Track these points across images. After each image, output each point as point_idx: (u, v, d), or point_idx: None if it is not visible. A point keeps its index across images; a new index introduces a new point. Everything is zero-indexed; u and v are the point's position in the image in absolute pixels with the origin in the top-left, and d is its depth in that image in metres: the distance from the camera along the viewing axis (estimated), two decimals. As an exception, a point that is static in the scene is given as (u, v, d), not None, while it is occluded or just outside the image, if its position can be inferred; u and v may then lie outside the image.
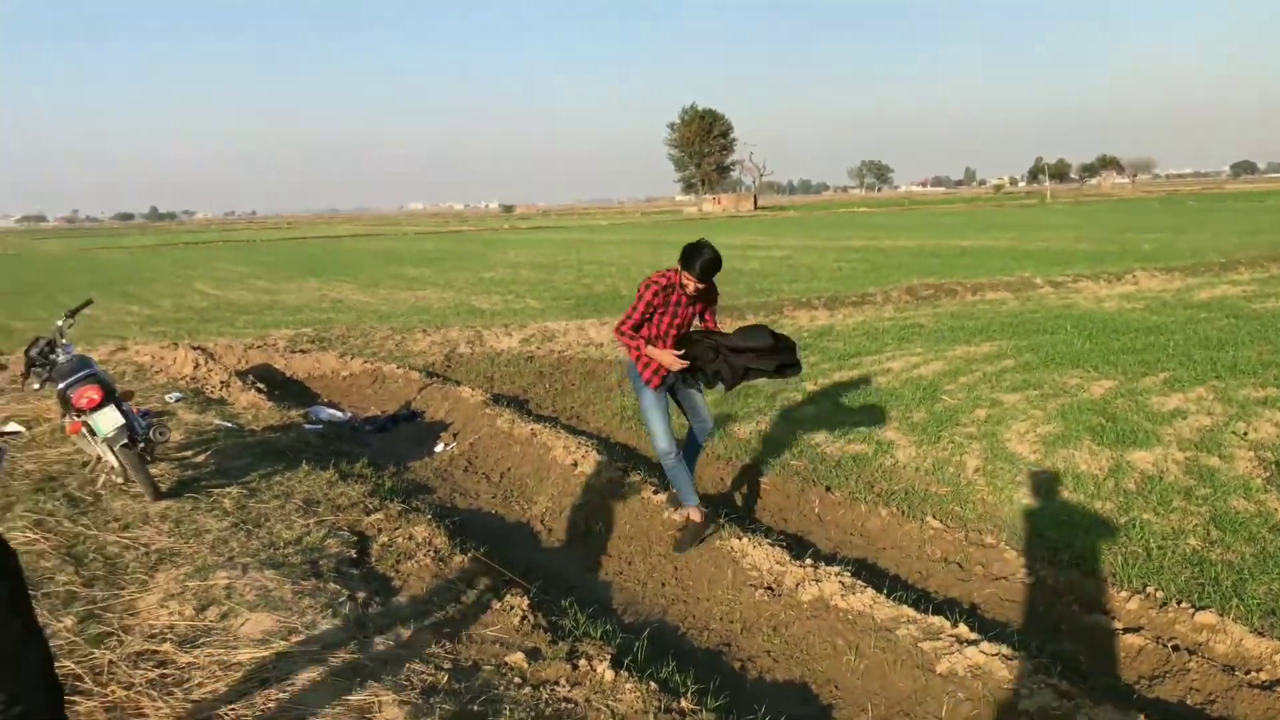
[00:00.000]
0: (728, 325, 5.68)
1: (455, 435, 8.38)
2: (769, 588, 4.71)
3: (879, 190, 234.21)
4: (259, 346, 12.51)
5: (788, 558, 4.90)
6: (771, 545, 5.08)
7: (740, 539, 5.17)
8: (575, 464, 6.64)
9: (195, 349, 11.56)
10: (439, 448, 8.16)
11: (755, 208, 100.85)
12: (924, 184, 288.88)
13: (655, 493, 5.96)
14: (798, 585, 4.63)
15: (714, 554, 5.17)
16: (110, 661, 3.65)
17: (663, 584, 5.16)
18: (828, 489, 6.33)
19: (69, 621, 4.01)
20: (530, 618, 4.22)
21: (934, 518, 5.77)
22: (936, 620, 4.21)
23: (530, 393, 10.19)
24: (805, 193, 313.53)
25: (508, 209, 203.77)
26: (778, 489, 6.56)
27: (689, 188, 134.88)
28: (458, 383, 10.19)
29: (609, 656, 3.82)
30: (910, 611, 4.31)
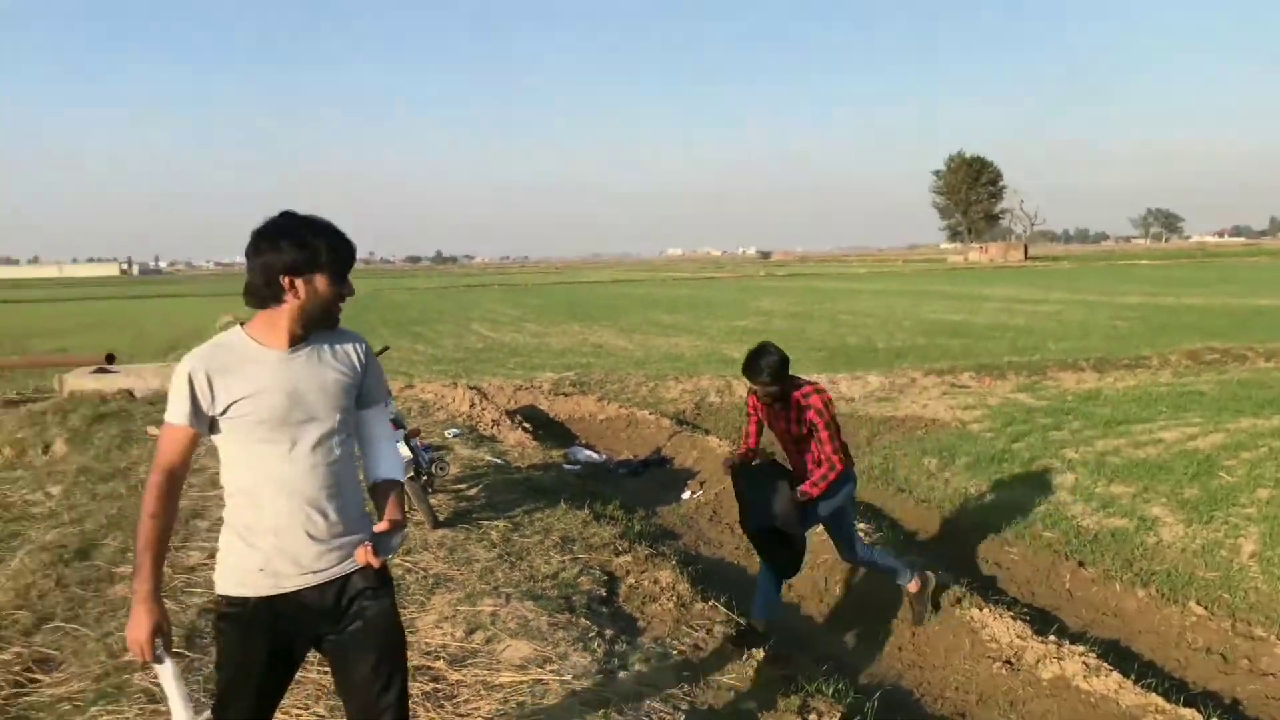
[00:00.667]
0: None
1: (702, 484, 8.68)
2: (1008, 661, 4.67)
3: (1166, 240, 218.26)
4: (526, 388, 13.39)
5: (1029, 632, 4.83)
6: (1014, 618, 5.02)
7: (981, 609, 5.14)
8: (817, 520, 6.76)
9: (471, 389, 12.56)
10: (686, 495, 8.49)
11: (1025, 258, 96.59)
12: (1221, 233, 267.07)
13: (898, 555, 5.99)
14: (1038, 661, 4.57)
15: (953, 623, 5.16)
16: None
17: (899, 648, 5.20)
18: (1080, 564, 6.14)
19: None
20: (765, 669, 4.41)
21: (1198, 603, 5.47)
22: (1189, 713, 4.04)
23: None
24: (1082, 242, 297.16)
25: (765, 255, 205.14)
26: (1026, 560, 6.42)
27: (954, 236, 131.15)
28: (706, 431, 10.52)
29: (839, 714, 3.95)
30: (1160, 701, 4.16)
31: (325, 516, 2.49)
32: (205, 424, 2.44)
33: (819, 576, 6.16)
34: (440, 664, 4.25)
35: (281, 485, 2.45)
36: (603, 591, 5.36)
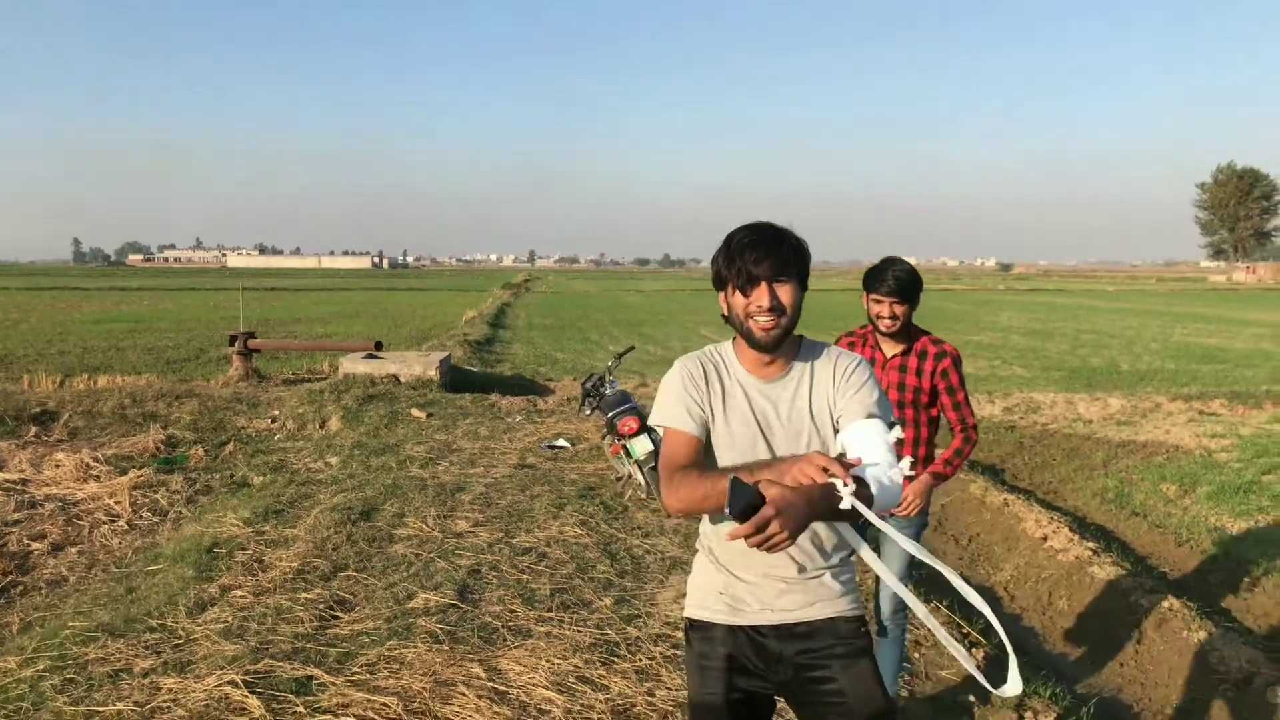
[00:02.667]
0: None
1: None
2: (1236, 684, 4.67)
3: None
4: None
5: (1262, 658, 4.80)
6: (1244, 644, 4.99)
7: (1210, 633, 5.12)
8: (1045, 538, 6.82)
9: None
10: (912, 504, 8.63)
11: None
12: None
13: (1126, 575, 5.99)
14: (1269, 687, 4.55)
15: (1180, 644, 5.16)
16: (637, 637, 4.65)
17: (1121, 664, 5.25)
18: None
19: (608, 601, 5.12)
20: (984, 667, 4.62)
21: None
22: None
23: (1007, 463, 10.31)
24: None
25: (1005, 267, 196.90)
26: (1268, 594, 6.23)
27: (1218, 253, 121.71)
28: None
29: (1055, 714, 4.13)
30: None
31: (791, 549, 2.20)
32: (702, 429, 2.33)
33: (1042, 590, 6.25)
34: (679, 634, 4.71)
35: None
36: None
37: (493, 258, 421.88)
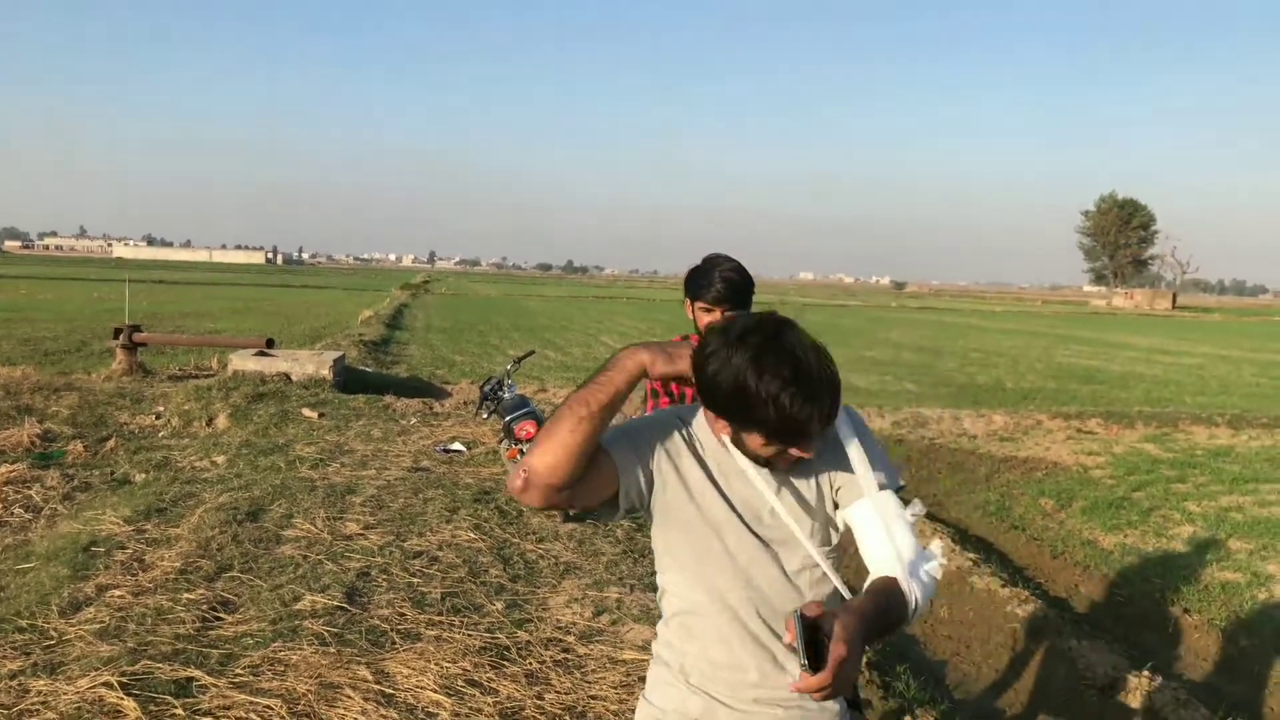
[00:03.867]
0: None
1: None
2: (1101, 690, 4.90)
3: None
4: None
5: (1127, 664, 5.04)
6: (1110, 651, 5.23)
7: (1080, 641, 5.35)
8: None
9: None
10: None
11: (1173, 307, 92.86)
12: None
13: (1003, 586, 6.22)
14: (1132, 691, 4.79)
15: (1052, 654, 5.39)
16: (528, 641, 4.65)
17: (997, 671, 5.46)
18: (1186, 610, 6.27)
19: (499, 605, 5.10)
20: (866, 674, 4.74)
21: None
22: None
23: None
24: (1238, 294, 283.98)
25: (899, 286, 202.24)
26: (1132, 603, 6.57)
27: (1099, 279, 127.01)
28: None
29: (933, 717, 4.27)
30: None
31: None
32: None
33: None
34: (570, 638, 4.73)
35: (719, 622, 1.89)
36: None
37: (391, 257, 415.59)
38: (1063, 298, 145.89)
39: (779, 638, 1.79)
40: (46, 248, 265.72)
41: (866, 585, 1.78)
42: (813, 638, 1.48)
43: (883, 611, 1.66)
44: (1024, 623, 5.64)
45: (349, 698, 3.89)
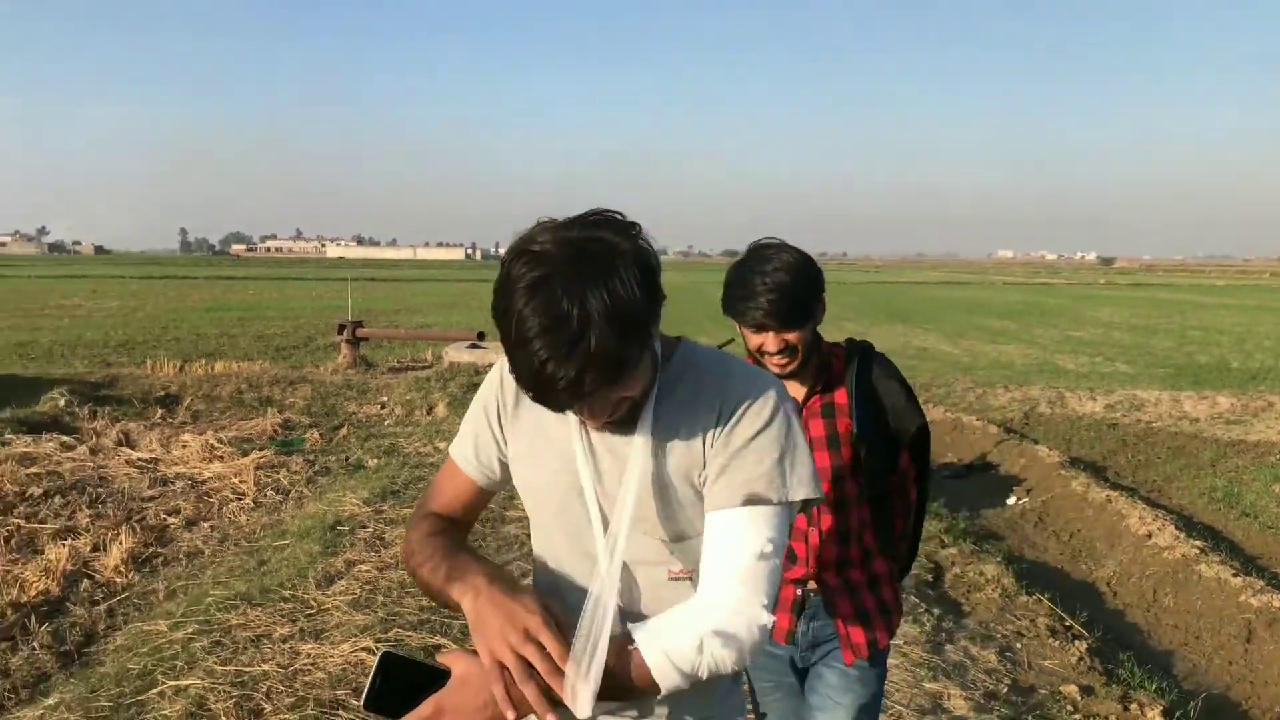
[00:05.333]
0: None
1: (1028, 491, 8.77)
2: (1347, 686, 4.64)
3: None
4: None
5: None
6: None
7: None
8: (1150, 535, 6.77)
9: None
10: (1011, 500, 8.62)
11: None
12: None
13: (1234, 575, 5.94)
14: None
15: (1291, 644, 5.13)
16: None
17: (1229, 662, 5.23)
18: None
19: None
20: (1087, 660, 4.67)
21: None
22: None
23: (1109, 460, 10.18)
24: None
25: (1106, 261, 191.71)
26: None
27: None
28: (1035, 441, 10.50)
29: (1160, 708, 4.17)
30: None
31: None
32: None
33: (1146, 587, 6.23)
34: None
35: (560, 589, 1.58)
36: (929, 578, 5.77)
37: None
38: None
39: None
40: (268, 250, 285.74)
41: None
42: (407, 682, 1.33)
43: (605, 683, 1.34)
44: (1259, 614, 5.38)
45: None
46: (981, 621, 5.11)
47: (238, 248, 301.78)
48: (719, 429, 1.47)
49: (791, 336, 2.17)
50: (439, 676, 1.35)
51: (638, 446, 1.45)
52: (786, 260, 2.17)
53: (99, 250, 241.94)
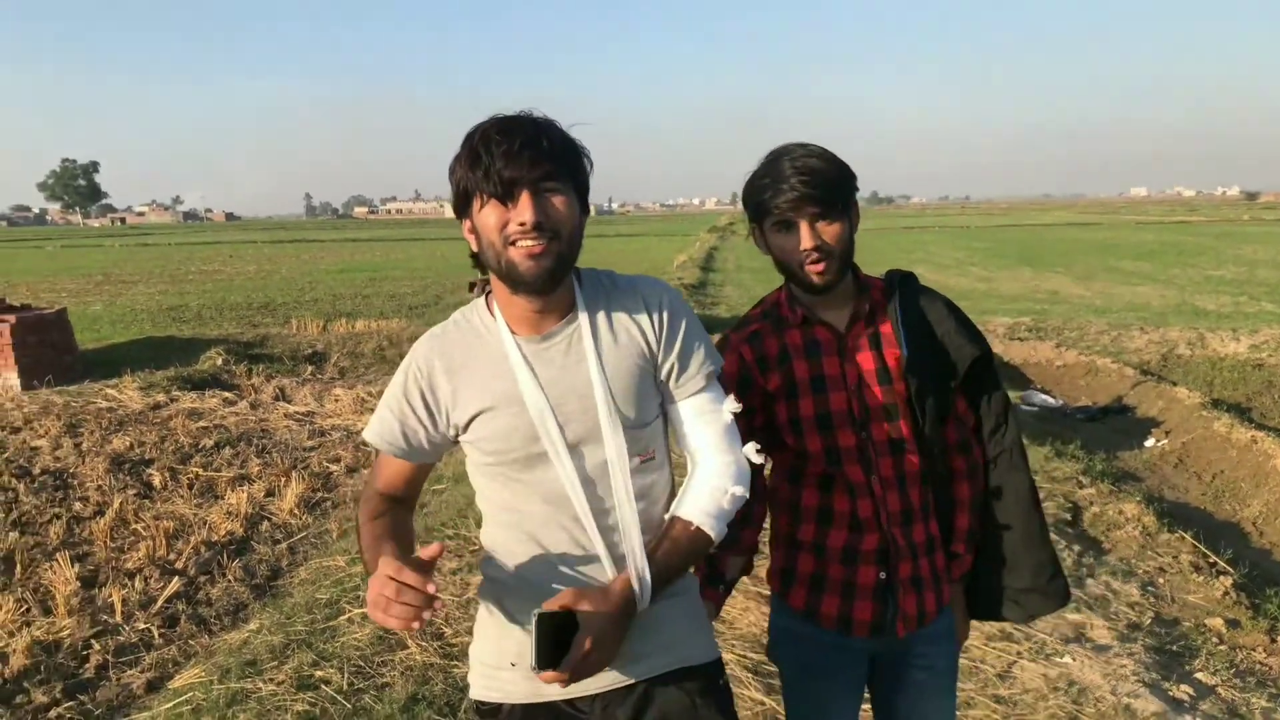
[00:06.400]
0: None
1: (1167, 433, 8.63)
2: None
3: None
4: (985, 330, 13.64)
5: None
6: None
7: None
8: (1298, 474, 6.66)
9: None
10: (1149, 443, 8.51)
11: None
12: None
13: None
14: None
15: None
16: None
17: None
18: None
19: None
20: (1232, 595, 4.69)
21: None
22: None
23: (1254, 401, 9.90)
24: None
25: (1251, 196, 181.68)
26: None
27: None
28: (1173, 383, 10.27)
29: (1310, 638, 4.19)
30: None
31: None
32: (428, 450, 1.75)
33: (1295, 526, 6.15)
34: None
35: (538, 538, 1.70)
36: (1068, 516, 5.81)
37: (695, 201, 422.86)
38: None
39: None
40: (389, 211, 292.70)
41: (665, 528, 1.71)
42: (554, 635, 1.50)
43: (671, 569, 1.67)
44: None
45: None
46: (1122, 558, 5.15)
47: (360, 210, 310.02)
48: (655, 326, 1.71)
49: (828, 231, 1.88)
50: (572, 618, 1.55)
51: (590, 355, 1.66)
52: (816, 149, 1.90)
53: (230, 217, 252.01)
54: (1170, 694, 3.61)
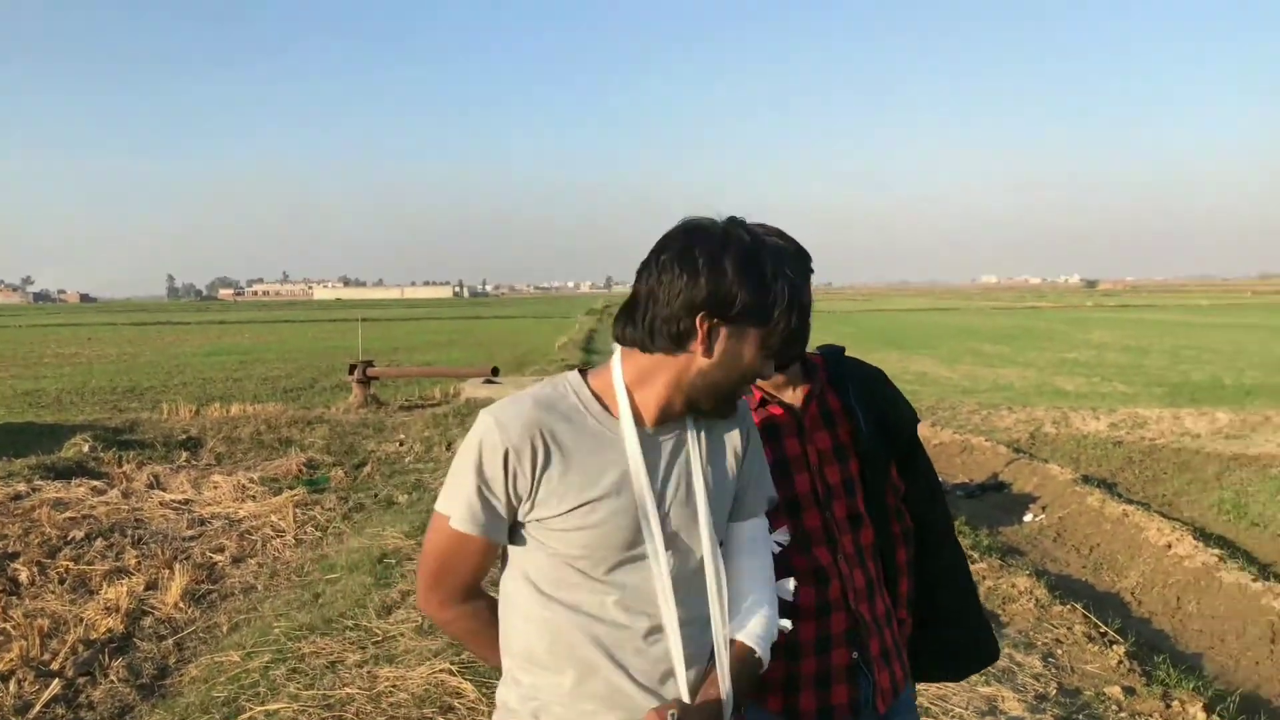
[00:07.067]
0: None
1: (1044, 508, 9.00)
2: (1373, 681, 4.87)
3: None
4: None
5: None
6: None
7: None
8: (1169, 545, 7.01)
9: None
10: (1028, 517, 8.85)
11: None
12: None
13: (1254, 580, 6.17)
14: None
15: (1315, 644, 5.36)
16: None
17: (1256, 663, 5.46)
18: None
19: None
20: (1126, 663, 4.89)
21: None
22: None
23: (1118, 477, 10.43)
24: None
25: (1090, 284, 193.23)
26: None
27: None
28: (1045, 460, 10.74)
29: (1201, 704, 4.39)
30: None
31: None
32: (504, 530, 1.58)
33: (1170, 595, 6.46)
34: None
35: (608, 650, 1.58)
36: (963, 590, 5.96)
37: (569, 284, 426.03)
38: (1275, 287, 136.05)
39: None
40: (255, 293, 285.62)
41: (734, 650, 1.63)
42: None
43: (740, 691, 1.61)
44: (1282, 616, 5.62)
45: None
46: (1020, 630, 5.32)
47: (225, 292, 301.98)
48: (743, 439, 1.69)
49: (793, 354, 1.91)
50: None
51: (694, 456, 1.62)
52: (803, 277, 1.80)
53: (84, 298, 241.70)
54: (1084, 762, 3.72)
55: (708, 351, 1.52)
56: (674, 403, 1.57)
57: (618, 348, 1.64)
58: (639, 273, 1.58)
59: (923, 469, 2.14)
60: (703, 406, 1.58)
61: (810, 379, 2.03)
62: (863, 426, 2.01)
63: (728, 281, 1.49)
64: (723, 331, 1.52)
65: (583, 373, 1.66)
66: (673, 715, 1.47)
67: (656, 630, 1.56)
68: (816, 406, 2.02)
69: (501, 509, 1.54)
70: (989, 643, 2.19)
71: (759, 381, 1.87)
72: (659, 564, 1.55)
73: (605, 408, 1.59)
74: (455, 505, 1.55)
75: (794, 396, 2.01)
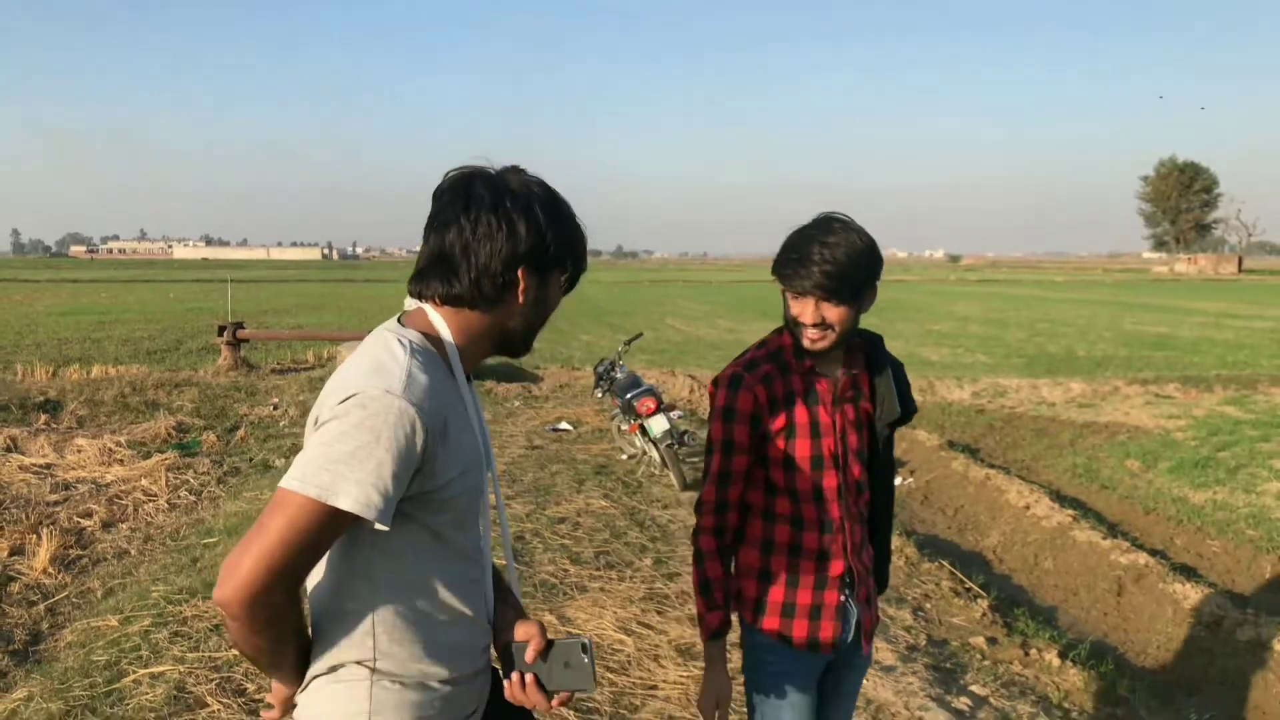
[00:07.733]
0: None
1: (912, 472, 9.41)
2: (1208, 627, 5.29)
3: None
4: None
5: (1230, 604, 5.43)
6: (1214, 594, 5.61)
7: (1183, 584, 5.73)
8: (1028, 507, 7.43)
9: (689, 376, 13.63)
10: (897, 480, 9.22)
11: (1239, 270, 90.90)
12: None
13: (1103, 538, 6.60)
14: (1237, 628, 5.17)
15: (1157, 594, 5.78)
16: (682, 591, 5.16)
17: (1104, 614, 5.87)
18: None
19: (648, 562, 5.63)
20: (989, 615, 5.20)
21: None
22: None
23: (980, 443, 10.95)
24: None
25: (954, 259, 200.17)
26: (1228, 553, 6.91)
27: (1160, 245, 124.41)
28: (912, 426, 11.19)
29: (1055, 651, 4.71)
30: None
31: None
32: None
33: (1028, 553, 6.87)
34: (717, 589, 5.23)
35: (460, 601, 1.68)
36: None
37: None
38: (1123, 265, 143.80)
39: None
40: (110, 251, 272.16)
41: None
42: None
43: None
44: (1127, 570, 6.04)
45: (540, 639, 4.42)
46: (892, 586, 5.58)
47: (77, 249, 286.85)
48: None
49: (833, 311, 2.15)
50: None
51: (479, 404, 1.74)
52: (850, 238, 2.14)
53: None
54: (953, 705, 3.98)
55: (527, 300, 1.61)
56: (489, 354, 1.68)
57: (426, 306, 1.62)
58: (438, 228, 1.58)
59: (891, 448, 2.48)
60: (517, 351, 1.68)
61: (852, 358, 2.34)
62: (881, 408, 2.35)
63: (543, 231, 1.57)
64: (538, 279, 1.61)
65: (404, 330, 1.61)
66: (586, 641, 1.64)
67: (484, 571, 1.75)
68: (850, 383, 2.33)
69: (402, 491, 1.47)
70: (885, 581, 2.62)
71: (812, 354, 2.23)
72: (500, 515, 1.84)
73: (450, 370, 1.59)
74: (348, 486, 1.40)
75: (833, 372, 2.31)
